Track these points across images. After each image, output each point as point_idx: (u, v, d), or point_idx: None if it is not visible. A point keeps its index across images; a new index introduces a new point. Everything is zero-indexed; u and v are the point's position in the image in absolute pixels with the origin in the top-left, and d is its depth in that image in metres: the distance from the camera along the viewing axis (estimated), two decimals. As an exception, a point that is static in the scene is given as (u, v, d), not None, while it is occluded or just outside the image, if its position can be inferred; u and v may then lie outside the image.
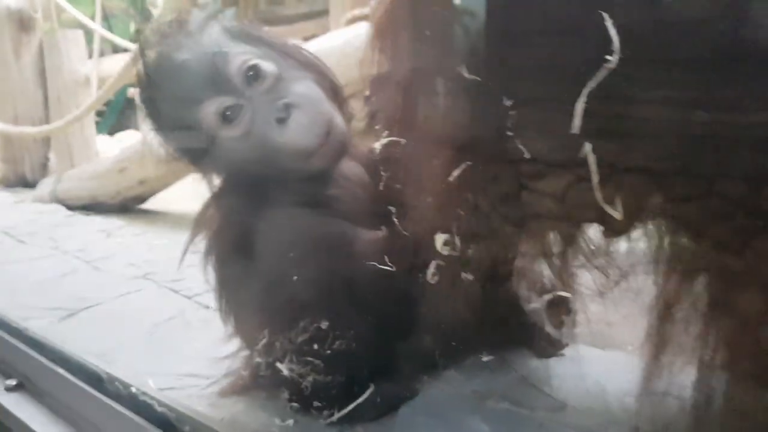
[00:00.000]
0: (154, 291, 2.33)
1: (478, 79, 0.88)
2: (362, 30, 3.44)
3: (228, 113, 1.18)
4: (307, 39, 7.90)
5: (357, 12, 5.67)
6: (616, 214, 0.83)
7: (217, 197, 1.25)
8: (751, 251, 0.77)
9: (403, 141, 1.12)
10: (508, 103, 0.88)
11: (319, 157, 1.21)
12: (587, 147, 0.82)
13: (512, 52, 0.89)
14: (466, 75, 0.88)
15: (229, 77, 1.17)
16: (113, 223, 3.75)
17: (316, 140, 1.18)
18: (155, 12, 5.46)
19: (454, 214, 1.01)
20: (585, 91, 0.79)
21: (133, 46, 6.83)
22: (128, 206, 4.38)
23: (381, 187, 1.15)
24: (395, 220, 1.12)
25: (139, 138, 4.41)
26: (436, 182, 1.00)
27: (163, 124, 1.22)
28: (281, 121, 1.18)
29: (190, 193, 4.62)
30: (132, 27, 10.51)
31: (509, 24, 0.89)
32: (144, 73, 1.22)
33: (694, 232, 0.83)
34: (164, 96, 1.21)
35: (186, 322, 2.03)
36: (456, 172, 0.96)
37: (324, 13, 7.96)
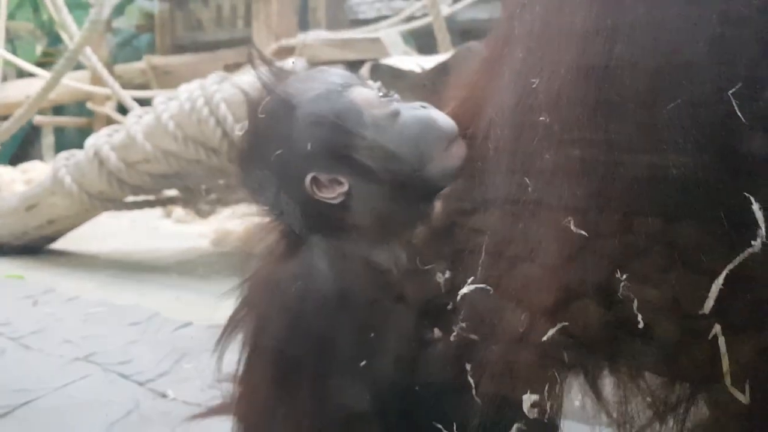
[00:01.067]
0: (101, 377, 1.98)
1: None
2: (295, 65, 3.31)
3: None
4: (229, 67, 7.73)
5: (283, 42, 5.58)
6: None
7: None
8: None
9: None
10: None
11: (454, 154, 1.12)
12: (717, 328, 0.80)
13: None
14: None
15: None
16: (35, 280, 3.33)
17: (454, 126, 1.12)
18: (64, 35, 5.18)
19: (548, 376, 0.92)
20: (724, 273, 0.77)
21: (39, 70, 6.49)
22: (36, 247, 4.07)
23: (454, 334, 1.04)
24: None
25: (48, 171, 4.12)
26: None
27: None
28: (424, 107, 1.15)
29: (102, 232, 4.35)
30: (38, 50, 10.05)
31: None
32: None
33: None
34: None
35: (145, 418, 1.74)
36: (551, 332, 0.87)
37: (246, 41, 7.81)
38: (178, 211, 4.96)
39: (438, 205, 1.16)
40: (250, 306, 1.17)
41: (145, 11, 9.02)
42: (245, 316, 1.17)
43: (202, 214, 4.10)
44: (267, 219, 1.18)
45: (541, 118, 0.89)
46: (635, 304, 0.81)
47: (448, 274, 1.07)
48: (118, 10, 8.65)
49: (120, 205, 3.80)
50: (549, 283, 0.87)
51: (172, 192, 3.91)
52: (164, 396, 1.79)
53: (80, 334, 2.27)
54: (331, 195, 1.10)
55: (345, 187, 1.10)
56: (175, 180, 3.65)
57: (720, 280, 0.77)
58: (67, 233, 4.15)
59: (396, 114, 1.12)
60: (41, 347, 2.19)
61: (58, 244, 4.19)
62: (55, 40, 9.19)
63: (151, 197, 3.91)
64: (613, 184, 0.83)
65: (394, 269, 1.11)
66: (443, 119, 1.12)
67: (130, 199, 3.82)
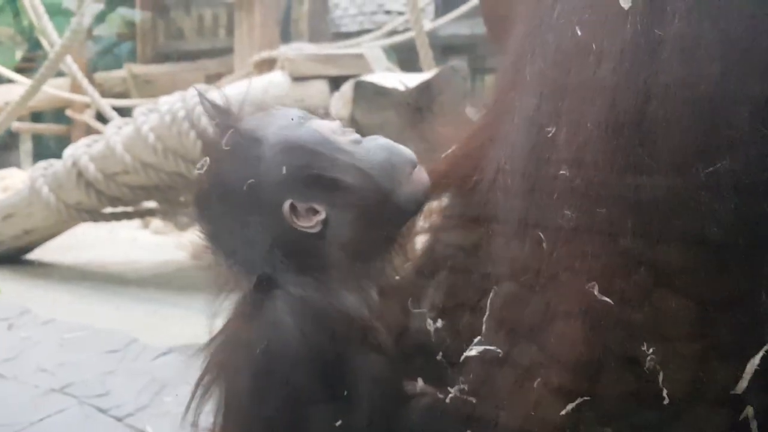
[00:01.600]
0: (77, 411, 1.88)
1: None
2: (276, 78, 3.31)
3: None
4: (210, 78, 7.70)
5: (265, 54, 5.58)
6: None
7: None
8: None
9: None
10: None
11: (420, 179, 1.10)
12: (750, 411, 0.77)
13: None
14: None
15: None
16: (11, 294, 3.22)
17: (412, 155, 1.10)
18: (44, 41, 5.13)
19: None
20: (761, 353, 0.75)
21: (18, 77, 6.42)
22: (12, 257, 4.01)
23: (453, 394, 0.98)
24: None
25: (25, 179, 4.07)
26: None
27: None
28: (380, 137, 1.12)
29: (79, 242, 4.29)
30: (18, 55, 9.95)
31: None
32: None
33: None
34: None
35: (123, 459, 1.69)
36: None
37: (227, 51, 7.80)
38: (156, 222, 4.92)
39: (418, 243, 1.15)
40: (217, 368, 1.10)
41: (126, 19, 8.98)
42: (213, 380, 1.10)
43: (181, 227, 4.07)
44: (227, 269, 1.12)
45: (561, 172, 0.84)
46: (661, 377, 0.78)
47: (439, 323, 1.02)
48: (99, 18, 8.61)
49: (98, 217, 3.76)
50: (567, 353, 0.83)
51: (150, 204, 3.88)
52: (143, 433, 1.74)
53: (56, 361, 2.15)
54: (309, 224, 1.05)
55: (322, 215, 1.05)
56: (154, 192, 3.62)
57: (756, 360, 0.74)
58: (44, 243, 4.10)
59: (358, 141, 1.11)
60: (16, 375, 2.09)
61: (34, 255, 4.13)
62: (35, 45, 9.10)
63: (129, 209, 3.87)
64: (644, 249, 0.80)
65: (367, 315, 1.07)
66: (402, 147, 1.11)
67: (109, 210, 3.77)
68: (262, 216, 1.07)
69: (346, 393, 1.01)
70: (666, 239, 0.79)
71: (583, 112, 0.83)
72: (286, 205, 1.05)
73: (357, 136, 1.11)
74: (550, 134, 0.86)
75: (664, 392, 0.77)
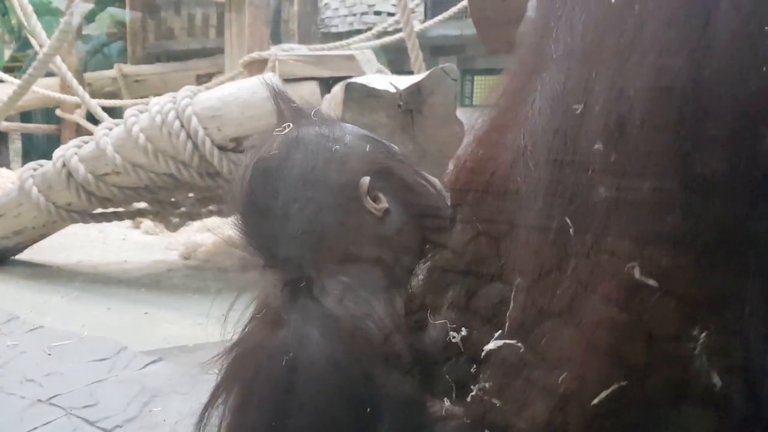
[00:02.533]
0: (65, 423, 1.81)
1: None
2: (267, 79, 3.31)
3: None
4: (201, 78, 7.70)
5: (255, 54, 5.58)
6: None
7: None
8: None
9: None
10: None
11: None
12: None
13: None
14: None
15: None
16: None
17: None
18: (33, 40, 5.11)
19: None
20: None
21: (7, 76, 6.38)
22: (1, 258, 3.99)
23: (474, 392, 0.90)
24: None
25: (14, 180, 4.06)
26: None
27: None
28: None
29: (69, 243, 4.28)
30: (7, 54, 9.90)
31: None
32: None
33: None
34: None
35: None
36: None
37: (218, 51, 7.79)
38: (147, 222, 4.91)
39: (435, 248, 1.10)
40: (235, 378, 1.07)
41: (116, 19, 8.96)
42: (230, 389, 1.07)
43: (171, 227, 4.06)
44: (260, 271, 1.10)
45: (596, 147, 0.77)
46: (710, 361, 0.71)
47: (464, 332, 0.94)
48: (89, 17, 8.58)
49: (88, 218, 3.75)
50: (605, 341, 0.76)
51: (141, 204, 3.88)
52: (134, 446, 1.68)
53: (44, 370, 2.08)
54: (378, 206, 1.04)
55: (385, 205, 1.04)
56: (144, 193, 3.61)
57: None
58: (34, 244, 4.09)
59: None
60: (2, 386, 2.04)
61: (24, 255, 4.12)
62: (24, 44, 9.07)
63: (120, 209, 3.86)
64: (692, 225, 0.71)
65: (393, 330, 1.02)
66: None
67: (99, 211, 3.77)
68: (332, 193, 1.04)
69: (370, 413, 0.96)
70: (721, 216, 0.71)
71: (620, 84, 0.77)
72: (365, 180, 1.04)
73: None
74: (579, 110, 0.79)
75: (715, 377, 0.72)
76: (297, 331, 0.99)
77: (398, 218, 1.06)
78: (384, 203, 1.04)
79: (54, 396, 1.88)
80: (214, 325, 3.03)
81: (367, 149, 1.08)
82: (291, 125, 1.08)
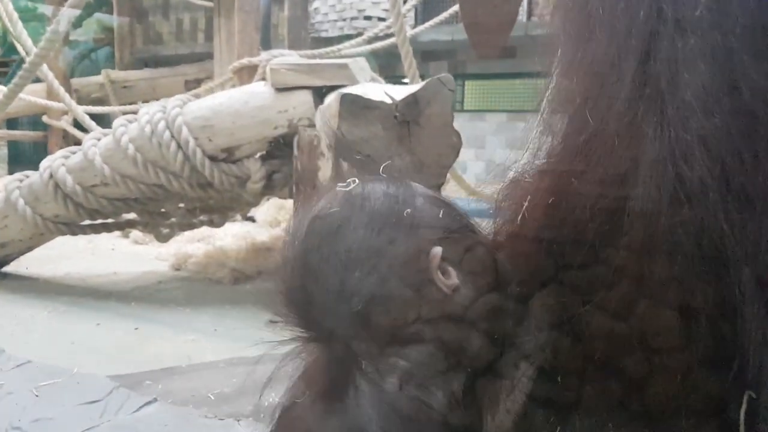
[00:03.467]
0: None
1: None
2: (258, 88, 3.26)
3: None
4: (189, 83, 7.62)
5: (245, 60, 5.52)
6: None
7: None
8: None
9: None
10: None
11: None
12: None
13: None
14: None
15: None
16: None
17: None
18: (20, 47, 5.03)
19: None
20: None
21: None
22: (-16, 271, 3.92)
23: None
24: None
25: (1, 189, 3.97)
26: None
27: None
28: None
29: (57, 254, 4.17)
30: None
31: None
32: None
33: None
34: None
35: None
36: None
37: (207, 56, 7.73)
38: (136, 231, 4.84)
39: None
40: None
41: (103, 24, 8.86)
42: None
43: (162, 238, 3.99)
44: (308, 345, 0.97)
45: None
46: None
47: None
48: (76, 23, 8.48)
49: (76, 229, 3.67)
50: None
51: (130, 215, 3.80)
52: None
53: (31, 415, 1.93)
54: (449, 282, 0.90)
55: (455, 281, 0.90)
56: (134, 204, 3.55)
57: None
58: (20, 257, 4.01)
59: None
60: None
61: (10, 268, 4.03)
62: (9, 49, 8.95)
63: (108, 221, 3.79)
64: None
65: (450, 413, 0.90)
66: None
67: (87, 222, 3.69)
68: (398, 263, 0.91)
69: None
70: None
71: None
72: (437, 251, 0.90)
73: None
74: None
75: None
76: (355, 415, 0.89)
77: (467, 297, 0.92)
78: (454, 279, 0.91)
79: (40, 447, 1.71)
80: (207, 341, 2.97)
81: (441, 215, 0.95)
82: (355, 180, 0.96)
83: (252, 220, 5.56)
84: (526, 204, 0.80)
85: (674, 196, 0.68)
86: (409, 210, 0.93)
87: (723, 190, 0.67)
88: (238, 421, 1.71)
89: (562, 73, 0.81)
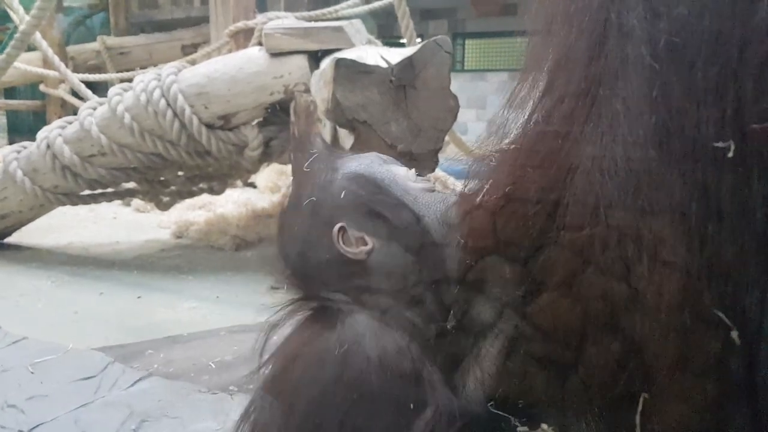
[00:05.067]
0: None
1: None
2: (253, 54, 3.22)
3: None
4: (186, 48, 7.53)
5: (241, 24, 5.45)
6: None
7: None
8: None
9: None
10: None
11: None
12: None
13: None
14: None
15: None
16: None
17: None
18: (14, 15, 4.96)
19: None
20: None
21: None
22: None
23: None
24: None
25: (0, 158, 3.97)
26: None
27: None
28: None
29: (58, 223, 4.16)
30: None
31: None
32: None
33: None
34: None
35: None
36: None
37: (203, 20, 7.62)
38: (138, 200, 4.84)
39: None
40: (281, 381, 1.10)
41: (97, -11, 8.73)
42: (277, 392, 1.10)
43: (162, 206, 3.99)
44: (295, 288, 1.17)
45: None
46: None
47: None
48: (70, -11, 8.36)
49: (76, 200, 3.67)
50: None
51: (130, 184, 3.79)
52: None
53: (26, 393, 1.91)
54: (355, 250, 1.11)
55: (369, 246, 1.11)
56: (132, 173, 3.53)
57: None
58: (22, 228, 4.01)
59: (430, 190, 1.17)
60: None
61: (12, 239, 4.04)
62: (3, 17, 8.84)
63: (108, 190, 3.78)
64: None
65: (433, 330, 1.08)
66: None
67: (87, 192, 3.69)
68: (317, 236, 1.14)
69: (415, 405, 1.00)
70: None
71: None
72: (336, 227, 1.12)
73: (430, 184, 1.18)
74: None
75: None
76: (348, 330, 1.05)
77: (388, 257, 1.11)
78: (366, 245, 1.11)
79: (37, 426, 1.73)
80: (209, 309, 2.97)
81: (356, 190, 1.15)
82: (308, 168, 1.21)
83: (253, 186, 5.55)
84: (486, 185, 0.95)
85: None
86: (318, 195, 1.15)
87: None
88: (231, 395, 1.72)
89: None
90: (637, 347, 0.78)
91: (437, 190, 1.19)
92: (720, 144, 0.70)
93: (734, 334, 0.72)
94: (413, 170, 1.22)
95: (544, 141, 0.85)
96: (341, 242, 1.11)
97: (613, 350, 0.80)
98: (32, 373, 2.00)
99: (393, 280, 1.10)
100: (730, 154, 0.69)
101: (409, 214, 1.12)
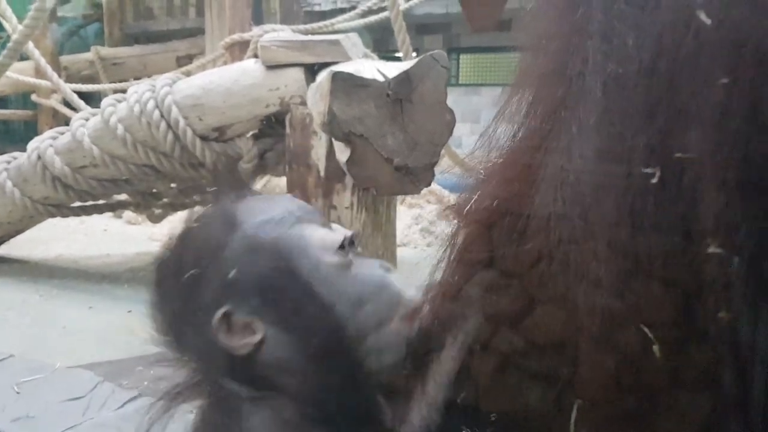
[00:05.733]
0: None
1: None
2: (249, 66, 3.19)
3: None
4: (181, 59, 7.51)
5: (236, 36, 5.43)
6: None
7: None
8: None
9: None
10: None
11: (399, 331, 0.91)
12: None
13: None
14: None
15: None
16: None
17: (407, 301, 0.93)
18: (6, 24, 4.93)
19: None
20: None
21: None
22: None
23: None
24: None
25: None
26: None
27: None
28: (386, 269, 0.97)
29: (48, 235, 4.12)
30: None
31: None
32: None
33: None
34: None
35: None
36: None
37: (198, 31, 7.60)
38: (129, 212, 4.79)
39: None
40: None
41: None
42: None
43: (154, 219, 3.95)
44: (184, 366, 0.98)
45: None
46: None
47: None
48: (64, -1, 8.34)
49: (66, 211, 3.62)
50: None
51: (122, 196, 3.75)
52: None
53: (12, 414, 1.84)
54: (239, 343, 0.89)
55: (258, 337, 0.88)
56: (124, 185, 3.49)
57: None
58: (10, 239, 3.96)
59: (347, 266, 0.93)
60: None
61: (1, 250, 3.99)
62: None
63: (99, 202, 3.73)
64: None
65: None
66: (397, 289, 0.94)
67: (78, 204, 3.64)
68: (195, 316, 0.91)
69: None
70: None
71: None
72: (219, 313, 0.89)
73: (350, 258, 0.94)
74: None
75: None
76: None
77: (280, 349, 0.89)
78: (254, 336, 0.89)
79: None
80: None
81: (253, 263, 0.91)
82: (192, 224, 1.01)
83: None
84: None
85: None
86: (196, 272, 0.92)
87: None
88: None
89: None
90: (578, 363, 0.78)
91: (355, 263, 0.95)
92: (648, 170, 0.72)
93: (656, 348, 0.71)
94: (338, 230, 0.99)
95: (524, 155, 0.86)
96: (223, 332, 0.89)
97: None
98: (18, 393, 1.94)
99: (290, 379, 0.89)
100: (655, 180, 0.72)
101: (315, 300, 0.90)
